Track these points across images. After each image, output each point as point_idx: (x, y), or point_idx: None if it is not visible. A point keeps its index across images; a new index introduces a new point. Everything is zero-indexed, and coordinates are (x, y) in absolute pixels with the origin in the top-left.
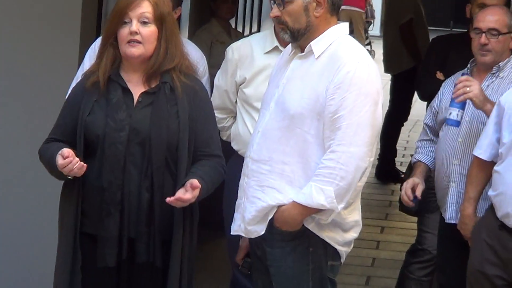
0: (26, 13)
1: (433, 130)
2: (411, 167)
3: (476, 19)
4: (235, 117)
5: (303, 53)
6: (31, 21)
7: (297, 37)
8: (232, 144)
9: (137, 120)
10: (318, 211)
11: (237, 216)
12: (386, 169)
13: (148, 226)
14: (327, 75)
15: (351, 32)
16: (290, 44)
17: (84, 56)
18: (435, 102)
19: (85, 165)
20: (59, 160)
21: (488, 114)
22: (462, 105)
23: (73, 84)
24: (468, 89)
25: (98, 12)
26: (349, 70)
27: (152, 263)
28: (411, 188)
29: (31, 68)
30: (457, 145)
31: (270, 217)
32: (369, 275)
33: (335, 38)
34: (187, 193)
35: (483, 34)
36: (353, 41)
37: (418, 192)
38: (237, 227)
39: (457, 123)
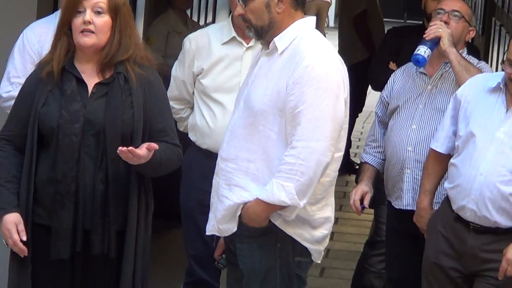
0: None
1: (383, 121)
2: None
3: (440, 2)
4: (192, 108)
5: (269, 50)
6: None
7: (261, 34)
8: (189, 135)
9: (92, 111)
10: (281, 207)
11: (211, 216)
12: None
13: (103, 218)
14: (287, 70)
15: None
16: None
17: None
18: (385, 92)
19: (26, 254)
20: (13, 233)
21: (449, 58)
22: (431, 46)
23: (4, 80)
24: (440, 30)
25: None
26: (308, 65)
27: (106, 254)
28: (360, 198)
29: None
30: (411, 132)
31: (239, 213)
32: (324, 266)
33: (299, 33)
34: (141, 150)
35: (446, 14)
36: (316, 35)
37: (366, 202)
38: (212, 227)
39: (423, 60)
